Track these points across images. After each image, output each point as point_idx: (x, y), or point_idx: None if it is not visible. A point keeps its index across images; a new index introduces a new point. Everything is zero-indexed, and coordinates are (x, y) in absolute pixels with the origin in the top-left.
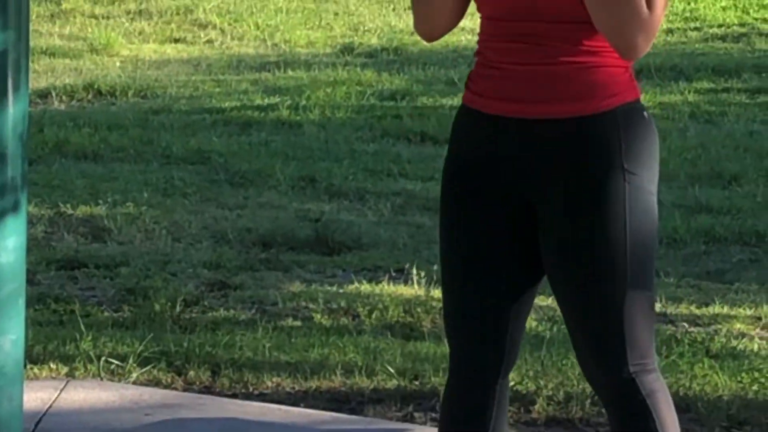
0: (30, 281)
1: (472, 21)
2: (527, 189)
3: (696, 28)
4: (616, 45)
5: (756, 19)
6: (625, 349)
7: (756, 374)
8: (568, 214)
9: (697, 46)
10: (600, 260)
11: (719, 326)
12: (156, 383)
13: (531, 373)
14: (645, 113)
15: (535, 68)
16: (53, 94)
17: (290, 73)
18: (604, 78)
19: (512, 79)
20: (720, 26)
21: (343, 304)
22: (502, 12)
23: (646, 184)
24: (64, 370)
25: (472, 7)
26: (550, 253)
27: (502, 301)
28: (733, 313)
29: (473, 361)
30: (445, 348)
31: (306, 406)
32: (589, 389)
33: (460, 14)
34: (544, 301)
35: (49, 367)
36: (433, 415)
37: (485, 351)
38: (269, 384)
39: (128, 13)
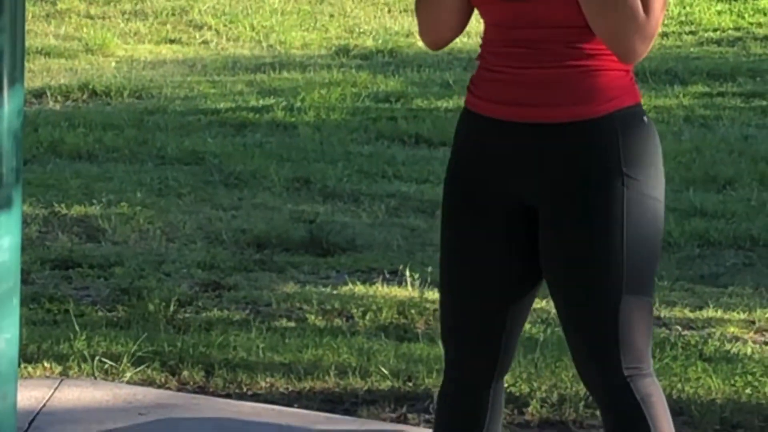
0: (24, 280)
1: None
2: (527, 192)
3: (691, 32)
4: (615, 50)
5: (751, 24)
6: (620, 352)
7: (749, 378)
8: (565, 217)
9: (692, 50)
10: (596, 265)
11: (713, 330)
12: (150, 383)
13: (524, 375)
14: (645, 117)
15: (535, 72)
16: (48, 93)
17: (285, 74)
18: (604, 82)
19: (513, 83)
20: (715, 30)
21: (337, 305)
22: (506, 19)
23: (648, 190)
24: (58, 369)
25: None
26: (548, 256)
27: (501, 304)
28: (726, 316)
29: (468, 363)
30: (439, 349)
31: (300, 407)
32: (582, 391)
33: (465, 23)
34: (538, 303)
35: (43, 366)
36: (427, 416)
37: (480, 354)
38: (263, 384)
39: (124, 13)
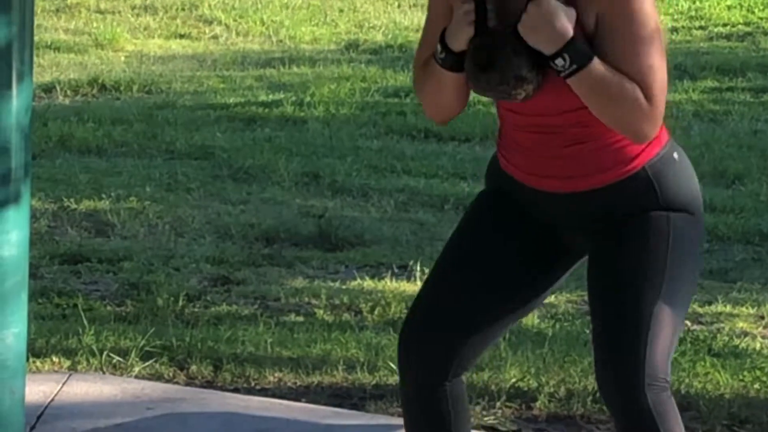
0: (33, 275)
1: None
2: (567, 235)
3: (701, 27)
4: (625, 136)
5: (761, 19)
6: (644, 362)
7: (758, 373)
8: (608, 253)
9: (701, 45)
10: (635, 282)
11: (722, 325)
12: (158, 377)
13: (533, 370)
14: (675, 154)
15: (560, 151)
16: (58, 88)
17: (295, 69)
18: (628, 143)
19: (541, 157)
20: (725, 25)
21: (345, 300)
22: (515, 108)
23: (687, 222)
24: (67, 363)
25: None
26: (591, 285)
27: (481, 312)
28: (735, 311)
29: (425, 364)
30: None
31: (308, 401)
32: (590, 386)
33: (467, 98)
34: (546, 298)
35: (52, 360)
36: None
37: (442, 357)
38: (271, 379)
39: (133, 8)
